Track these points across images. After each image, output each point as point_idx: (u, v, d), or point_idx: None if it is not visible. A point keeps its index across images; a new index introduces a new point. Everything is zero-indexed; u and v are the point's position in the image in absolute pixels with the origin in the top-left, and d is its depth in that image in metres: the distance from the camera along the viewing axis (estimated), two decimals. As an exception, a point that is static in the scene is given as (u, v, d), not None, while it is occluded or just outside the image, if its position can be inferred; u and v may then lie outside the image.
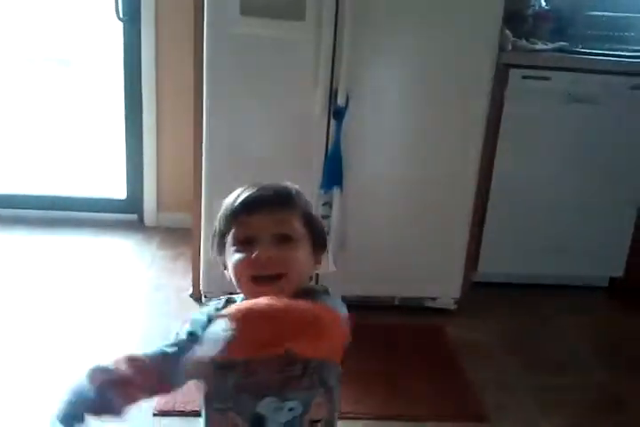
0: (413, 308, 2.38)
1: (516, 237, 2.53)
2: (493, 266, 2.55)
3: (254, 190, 1.05)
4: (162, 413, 1.75)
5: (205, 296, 2.32)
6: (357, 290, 2.37)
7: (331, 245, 2.21)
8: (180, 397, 1.80)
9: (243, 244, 1.00)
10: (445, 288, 2.40)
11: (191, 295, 2.38)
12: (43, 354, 2.01)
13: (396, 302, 2.40)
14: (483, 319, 2.36)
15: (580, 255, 2.56)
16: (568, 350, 2.24)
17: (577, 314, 2.47)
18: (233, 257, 1.01)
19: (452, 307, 2.40)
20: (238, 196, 1.05)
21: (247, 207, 1.02)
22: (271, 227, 1.00)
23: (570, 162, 2.47)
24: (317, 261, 1.07)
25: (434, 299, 2.40)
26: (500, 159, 2.43)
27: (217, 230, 1.05)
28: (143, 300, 2.37)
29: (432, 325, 2.32)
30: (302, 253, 1.01)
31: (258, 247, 0.98)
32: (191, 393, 1.81)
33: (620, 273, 2.61)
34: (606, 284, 2.68)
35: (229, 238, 1.02)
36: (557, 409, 1.90)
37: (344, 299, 1.04)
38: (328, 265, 2.22)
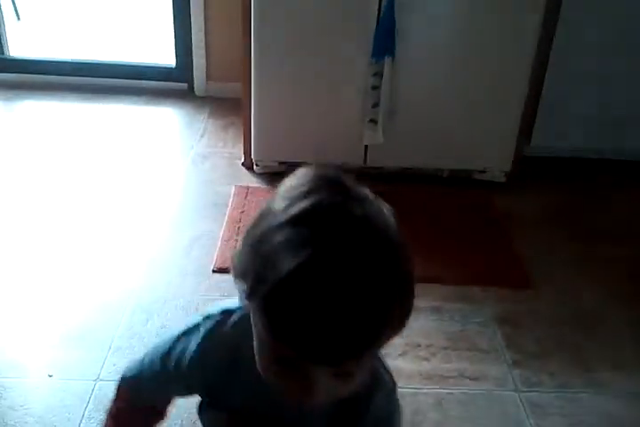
0: (462, 180, 2.40)
1: (572, 109, 2.45)
2: (547, 140, 2.50)
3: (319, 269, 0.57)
4: (221, 270, 1.86)
5: (257, 165, 2.37)
6: (406, 162, 2.38)
7: (380, 117, 2.20)
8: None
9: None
10: (495, 161, 2.39)
11: (243, 164, 2.44)
12: (93, 218, 2.13)
13: (445, 175, 2.42)
14: (533, 192, 2.37)
15: (636, 129, 2.48)
16: (617, 224, 2.24)
17: (629, 190, 2.44)
18: (261, 359, 0.66)
19: (502, 180, 2.40)
20: (282, 252, 0.58)
21: (294, 339, 0.58)
22: (332, 370, 0.63)
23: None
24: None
25: (483, 171, 2.40)
26: (562, 29, 2.30)
27: (244, 276, 0.63)
28: (196, 168, 2.44)
29: (480, 197, 2.34)
30: (365, 370, 0.67)
31: (310, 380, 0.62)
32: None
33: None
34: (661, 160, 2.62)
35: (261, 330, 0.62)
36: (601, 280, 1.95)
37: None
38: (377, 137, 2.23)
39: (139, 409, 0.89)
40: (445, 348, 1.66)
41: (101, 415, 1.40)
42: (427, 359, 1.62)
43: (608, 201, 2.37)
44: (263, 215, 0.63)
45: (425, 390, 1.53)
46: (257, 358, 0.66)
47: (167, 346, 0.81)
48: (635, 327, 1.77)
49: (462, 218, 2.21)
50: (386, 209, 0.64)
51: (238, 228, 2.06)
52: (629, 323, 1.78)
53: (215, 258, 1.92)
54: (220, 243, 1.99)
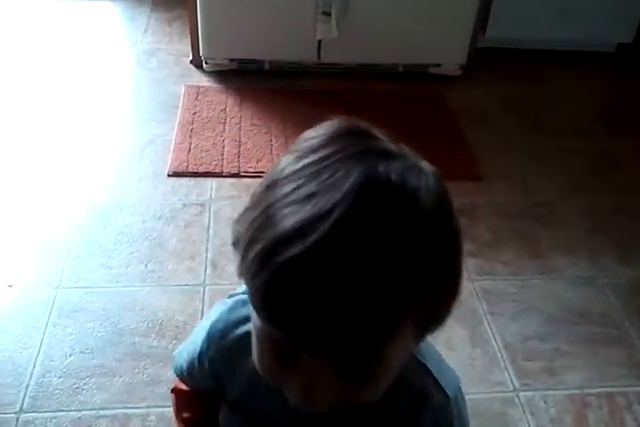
0: (417, 75, 2.35)
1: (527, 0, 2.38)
2: (501, 31, 2.45)
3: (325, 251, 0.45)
4: (176, 174, 1.83)
5: (206, 62, 2.27)
6: (360, 57, 2.31)
7: (334, 9, 2.10)
8: (193, 159, 1.88)
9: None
10: (451, 54, 2.34)
11: (191, 61, 2.33)
12: (36, 123, 2.03)
13: (400, 70, 2.36)
14: (487, 85, 2.35)
15: (590, 20, 2.44)
16: (570, 115, 2.26)
17: (582, 80, 2.45)
18: (257, 349, 0.55)
19: (457, 73, 2.36)
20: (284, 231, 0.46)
21: (292, 329, 0.47)
22: (335, 367, 0.51)
23: None
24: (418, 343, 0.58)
25: (438, 65, 2.36)
26: None
27: (236, 244, 0.51)
28: (141, 66, 2.32)
29: (436, 91, 2.31)
30: (391, 367, 0.53)
31: (309, 378, 0.51)
32: (202, 155, 1.89)
33: (629, 39, 2.53)
34: (613, 50, 2.61)
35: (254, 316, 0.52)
36: (553, 171, 1.98)
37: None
38: (330, 30, 2.14)
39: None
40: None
41: (65, 322, 1.42)
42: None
43: (564, 93, 2.36)
44: (269, 171, 0.51)
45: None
46: (253, 353, 0.55)
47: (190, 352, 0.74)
48: (585, 217, 1.83)
49: (417, 113, 2.19)
50: (431, 172, 0.51)
51: (191, 130, 2.00)
52: (580, 213, 1.84)
53: (169, 162, 1.87)
54: (173, 146, 1.93)
